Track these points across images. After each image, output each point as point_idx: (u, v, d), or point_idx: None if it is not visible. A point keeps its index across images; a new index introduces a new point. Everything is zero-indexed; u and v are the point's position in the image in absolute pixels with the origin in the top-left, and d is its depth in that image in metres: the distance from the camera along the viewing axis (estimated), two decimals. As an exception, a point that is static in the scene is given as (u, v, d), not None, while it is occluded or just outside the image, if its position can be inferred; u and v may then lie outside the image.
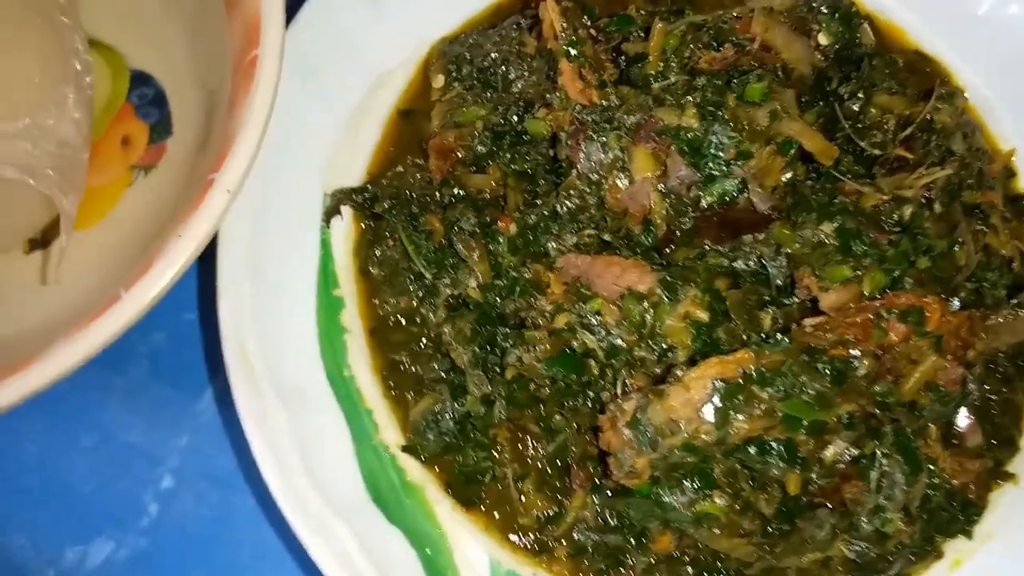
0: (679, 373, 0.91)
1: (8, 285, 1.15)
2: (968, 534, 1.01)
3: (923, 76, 1.20)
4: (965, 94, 1.19)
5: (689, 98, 0.98)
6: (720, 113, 0.97)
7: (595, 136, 0.99)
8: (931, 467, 0.97)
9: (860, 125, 1.08)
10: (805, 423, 0.90)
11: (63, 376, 0.90)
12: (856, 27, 1.13)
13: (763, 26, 1.09)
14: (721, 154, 0.96)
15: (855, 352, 0.89)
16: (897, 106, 1.09)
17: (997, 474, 1.04)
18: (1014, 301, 0.99)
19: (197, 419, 1.19)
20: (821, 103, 1.11)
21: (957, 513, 1.00)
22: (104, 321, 0.92)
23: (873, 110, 1.09)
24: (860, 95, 1.10)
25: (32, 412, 1.19)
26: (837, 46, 1.12)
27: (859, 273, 0.93)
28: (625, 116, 0.99)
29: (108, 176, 1.21)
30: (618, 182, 1.00)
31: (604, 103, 1.00)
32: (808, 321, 0.93)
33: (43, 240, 1.17)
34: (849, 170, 1.04)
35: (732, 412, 0.88)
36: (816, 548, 0.96)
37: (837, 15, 1.11)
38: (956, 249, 1.01)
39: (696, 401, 0.88)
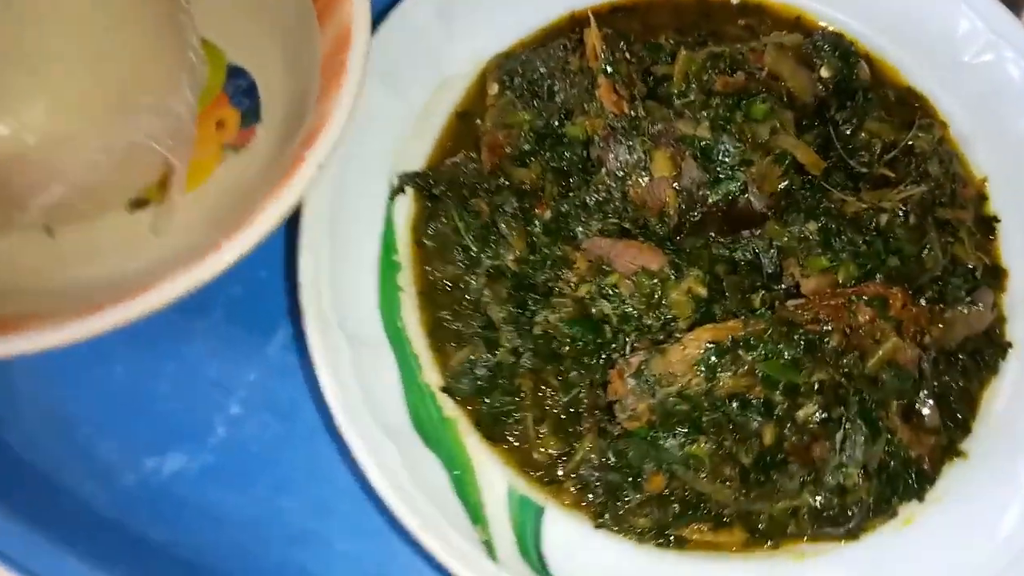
0: (678, 336, 1.09)
1: (112, 238, 1.35)
2: (920, 498, 1.17)
3: (911, 109, 1.37)
4: (948, 127, 1.37)
5: (704, 113, 1.17)
6: (729, 127, 1.16)
7: (623, 140, 1.19)
8: (889, 436, 1.13)
9: (851, 146, 1.27)
10: (781, 385, 1.07)
11: (162, 307, 1.08)
12: (854, 64, 1.32)
13: (773, 58, 1.28)
14: (727, 160, 1.15)
15: (827, 328, 1.07)
16: (884, 132, 1.28)
17: (950, 450, 1.20)
18: (968, 299, 1.16)
19: (265, 360, 1.37)
20: (819, 126, 1.30)
21: (911, 480, 1.17)
22: (206, 264, 1.12)
23: (863, 134, 1.27)
24: (853, 121, 1.29)
25: (124, 343, 1.40)
26: (836, 79, 1.31)
27: (836, 264, 1.11)
28: (649, 125, 1.19)
29: (203, 153, 1.39)
30: (640, 179, 1.19)
31: (633, 114, 1.20)
32: (790, 302, 1.11)
33: (143, 201, 1.38)
34: (838, 184, 1.23)
35: (720, 369, 1.06)
36: (786, 497, 1.13)
37: (837, 52, 1.30)
38: (924, 254, 1.19)
39: (691, 358, 1.07)
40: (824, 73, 1.31)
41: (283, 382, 1.37)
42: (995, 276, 1.30)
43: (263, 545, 1.29)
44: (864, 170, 1.25)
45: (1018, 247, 1.31)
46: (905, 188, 1.22)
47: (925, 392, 1.20)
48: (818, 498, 1.13)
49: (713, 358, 1.06)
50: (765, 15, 1.45)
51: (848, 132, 1.28)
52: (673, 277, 1.13)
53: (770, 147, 1.15)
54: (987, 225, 1.33)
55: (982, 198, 1.34)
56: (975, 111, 1.36)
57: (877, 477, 1.13)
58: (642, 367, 1.09)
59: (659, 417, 1.10)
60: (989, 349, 1.25)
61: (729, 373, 1.06)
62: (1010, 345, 1.26)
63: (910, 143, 1.28)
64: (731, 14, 1.45)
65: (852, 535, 1.15)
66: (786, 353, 1.06)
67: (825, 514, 1.15)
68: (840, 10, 1.44)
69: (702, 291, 1.12)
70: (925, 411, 1.20)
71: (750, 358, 1.06)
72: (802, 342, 1.07)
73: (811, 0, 1.45)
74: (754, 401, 1.08)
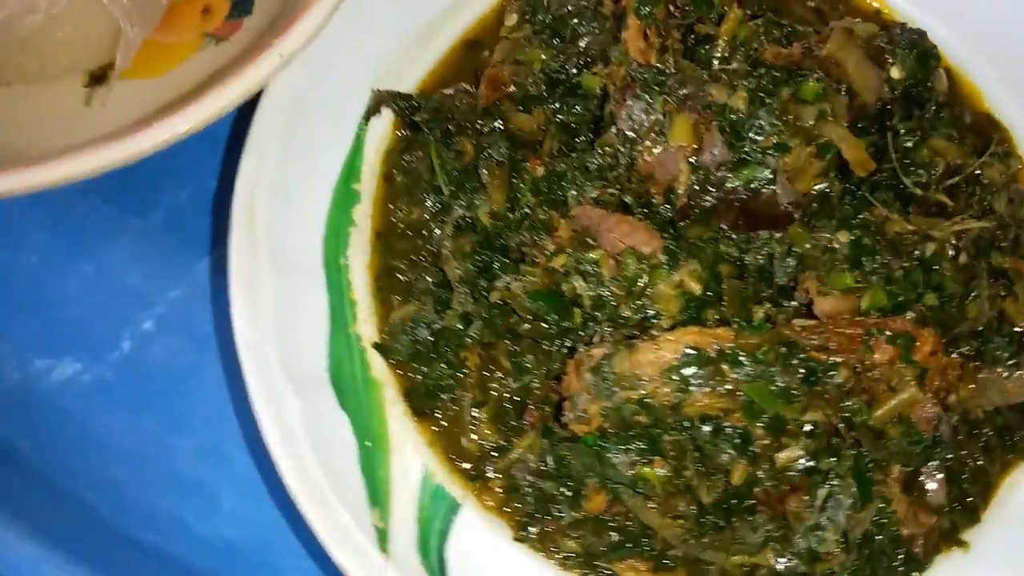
0: (656, 334, 0.90)
1: (61, 107, 1.20)
2: (905, 587, 0.98)
3: (986, 137, 1.17)
4: (1024, 163, 1.17)
5: (744, 82, 0.98)
6: (770, 102, 0.96)
7: (642, 95, 1.00)
8: (883, 505, 0.94)
9: (908, 162, 1.07)
10: (765, 417, 0.88)
11: (81, 176, 0.95)
12: (931, 69, 1.12)
13: (838, 44, 1.08)
14: (759, 140, 0.96)
15: (835, 360, 0.88)
16: (950, 153, 1.08)
17: (950, 538, 1.01)
18: (1012, 362, 0.96)
19: (193, 278, 1.22)
20: (876, 134, 1.10)
21: (898, 563, 0.97)
22: (138, 138, 0.96)
23: (925, 151, 1.08)
24: (917, 134, 1.09)
25: (45, 229, 1.24)
26: (907, 83, 1.11)
27: (862, 287, 0.91)
28: (677, 85, 1.00)
29: (181, 37, 1.25)
30: (653, 146, 1.00)
31: (660, 66, 1.01)
32: (798, 321, 0.92)
33: (102, 75, 1.22)
34: (885, 201, 1.03)
35: (695, 382, 0.87)
36: (744, 551, 0.94)
37: (915, 53, 1.10)
38: (969, 300, 0.99)
39: (663, 362, 0.88)
40: (895, 74, 1.10)
41: (205, 307, 1.20)
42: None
43: (140, 483, 1.13)
44: (918, 191, 1.05)
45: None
46: (962, 220, 1.02)
47: (936, 463, 1.01)
48: (782, 561, 0.94)
49: (690, 367, 0.87)
50: (843, 4, 1.26)
51: (909, 145, 1.08)
52: (666, 266, 0.94)
53: (813, 134, 0.95)
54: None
55: (1052, 255, 1.14)
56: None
57: (858, 550, 0.94)
58: (604, 362, 0.90)
59: (612, 425, 0.91)
60: (1019, 435, 1.05)
61: (706, 389, 0.87)
62: (1049, 430, 1.05)
63: (978, 171, 1.08)
64: (803, -7, 1.26)
65: (814, 615, 0.96)
66: (778, 379, 0.86)
67: (788, 581, 0.96)
68: (927, 10, 1.24)
69: (696, 288, 0.93)
70: (931, 485, 1.00)
71: (734, 376, 0.87)
72: (801, 370, 0.87)
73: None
74: (728, 429, 0.89)
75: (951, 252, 1.00)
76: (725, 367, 0.87)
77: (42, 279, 1.22)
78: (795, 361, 0.87)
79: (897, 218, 0.98)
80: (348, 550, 0.91)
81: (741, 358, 0.87)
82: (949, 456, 1.02)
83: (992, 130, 1.19)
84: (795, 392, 0.87)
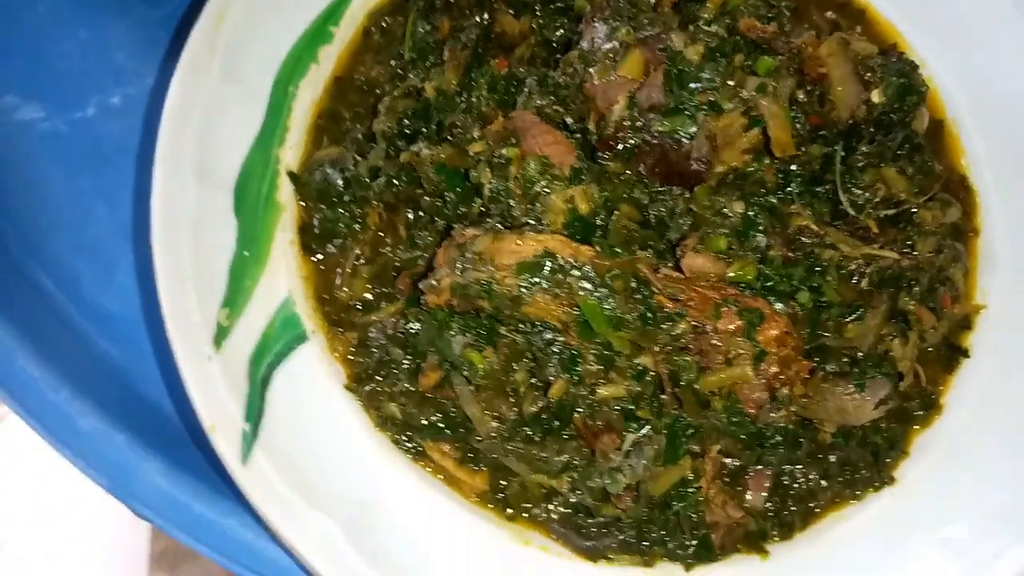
0: (526, 230, 0.92)
1: None
2: (687, 567, 0.98)
3: (949, 190, 1.15)
4: (979, 235, 1.15)
5: (706, 38, 0.98)
6: (721, 62, 0.97)
7: (610, 20, 1.01)
8: (690, 476, 0.94)
9: (852, 181, 1.06)
10: (598, 342, 0.89)
11: None
12: (912, 104, 1.09)
13: (831, 51, 1.08)
14: (696, 95, 0.96)
15: (679, 313, 0.88)
16: (895, 185, 1.06)
17: (754, 543, 1.00)
18: (858, 384, 0.95)
19: (169, 72, 1.23)
20: (834, 149, 1.09)
21: (689, 542, 0.97)
22: None
23: (870, 176, 1.06)
24: (873, 159, 1.08)
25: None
26: (884, 109, 1.09)
27: (734, 255, 0.91)
28: (646, 21, 1.01)
29: None
30: (603, 72, 1.01)
31: (636, 1, 1.02)
32: (664, 270, 0.92)
33: None
34: (812, 204, 1.03)
35: (539, 282, 0.89)
36: (544, 471, 0.96)
37: (901, 82, 1.08)
38: (851, 320, 0.98)
39: (520, 255, 0.90)
40: (875, 97, 1.08)
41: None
42: (926, 406, 1.08)
43: (53, 232, 1.20)
44: (851, 212, 1.04)
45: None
46: (877, 248, 1.01)
47: (767, 467, 1.00)
48: (576, 495, 0.95)
49: (541, 269, 0.89)
50: (861, 22, 1.24)
51: (859, 165, 1.07)
52: (567, 181, 0.96)
53: (749, 105, 0.95)
54: (951, 355, 1.10)
55: (965, 325, 1.11)
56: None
57: (654, 511, 0.94)
58: (469, 242, 0.92)
59: (459, 304, 0.93)
60: (867, 470, 1.03)
61: (547, 295, 0.89)
62: (892, 480, 1.03)
63: (914, 209, 1.06)
64: (827, 2, 1.25)
65: (592, 555, 0.97)
66: (613, 303, 0.87)
67: (575, 518, 0.97)
68: (940, 57, 1.21)
69: (583, 207, 0.94)
70: (754, 484, 1.00)
71: (577, 287, 0.88)
72: (641, 307, 0.88)
73: (921, 38, 1.23)
74: (560, 343, 0.91)
75: (853, 272, 1.00)
76: (572, 280, 0.88)
77: (43, 28, 1.29)
78: (639, 296, 0.88)
79: (806, 217, 0.97)
80: (183, 331, 0.95)
81: (590, 274, 0.88)
82: (784, 466, 1.02)
83: (959, 189, 1.17)
84: (627, 322, 0.88)
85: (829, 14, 1.24)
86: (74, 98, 1.26)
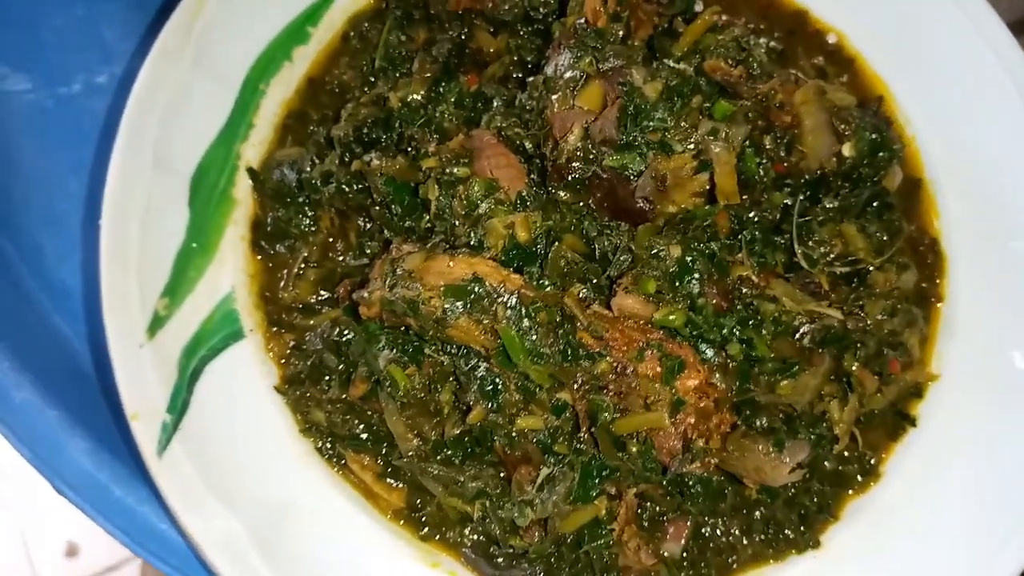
0: (462, 252, 0.92)
1: None
2: (590, 609, 0.97)
3: (917, 256, 1.12)
4: (942, 304, 1.12)
5: (666, 77, 0.97)
6: (677, 103, 0.95)
7: (574, 49, 1.00)
8: (601, 518, 0.93)
9: (808, 233, 1.04)
10: (518, 372, 0.89)
11: None
12: (883, 161, 1.07)
13: (806, 98, 1.06)
14: (647, 133, 0.95)
15: (601, 352, 0.87)
16: (854, 243, 1.04)
17: (661, 590, 0.99)
18: (777, 443, 0.93)
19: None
20: (800, 200, 1.06)
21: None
22: None
23: (829, 230, 1.04)
24: (834, 214, 1.05)
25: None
26: (854, 165, 1.07)
27: (662, 299, 0.90)
28: (610, 54, 1.00)
29: None
30: (563, 100, 1.00)
31: (604, 32, 1.01)
32: (594, 307, 0.91)
33: None
34: (764, 256, 1.01)
35: (462, 306, 0.88)
36: (462, 495, 0.95)
37: (875, 138, 1.06)
38: (785, 378, 0.96)
39: (448, 277, 0.89)
40: (846, 151, 1.06)
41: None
42: (864, 472, 1.05)
43: (22, 204, 1.21)
44: (804, 265, 1.02)
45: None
46: (823, 305, 0.99)
47: (687, 519, 0.99)
48: (488, 520, 0.95)
49: (472, 292, 0.88)
50: (849, 71, 1.21)
51: (819, 219, 1.04)
52: (511, 206, 0.95)
53: (699, 149, 0.94)
54: (898, 422, 1.07)
55: (916, 393, 1.08)
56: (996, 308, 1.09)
57: (557, 543, 0.93)
58: (402, 259, 0.92)
59: (388, 319, 0.93)
60: (792, 531, 1.01)
61: (472, 320, 0.88)
62: (816, 544, 1.01)
63: (869, 269, 1.04)
64: (816, 47, 1.22)
65: (500, 585, 0.96)
66: (534, 335, 0.87)
67: (487, 547, 0.97)
68: (933, 124, 1.17)
69: (522, 235, 0.93)
70: (672, 534, 0.99)
71: (499, 312, 0.87)
72: (563, 342, 0.87)
73: (909, 94, 1.20)
74: (484, 370, 0.90)
75: (794, 329, 0.98)
76: (498, 307, 0.88)
77: (40, 1, 1.32)
78: (561, 331, 0.87)
79: (747, 269, 0.95)
80: (118, 316, 0.96)
81: (515, 304, 0.87)
82: (707, 517, 1.01)
83: (929, 253, 1.14)
84: (546, 356, 0.87)
85: (818, 60, 1.22)
86: (61, 73, 1.28)
